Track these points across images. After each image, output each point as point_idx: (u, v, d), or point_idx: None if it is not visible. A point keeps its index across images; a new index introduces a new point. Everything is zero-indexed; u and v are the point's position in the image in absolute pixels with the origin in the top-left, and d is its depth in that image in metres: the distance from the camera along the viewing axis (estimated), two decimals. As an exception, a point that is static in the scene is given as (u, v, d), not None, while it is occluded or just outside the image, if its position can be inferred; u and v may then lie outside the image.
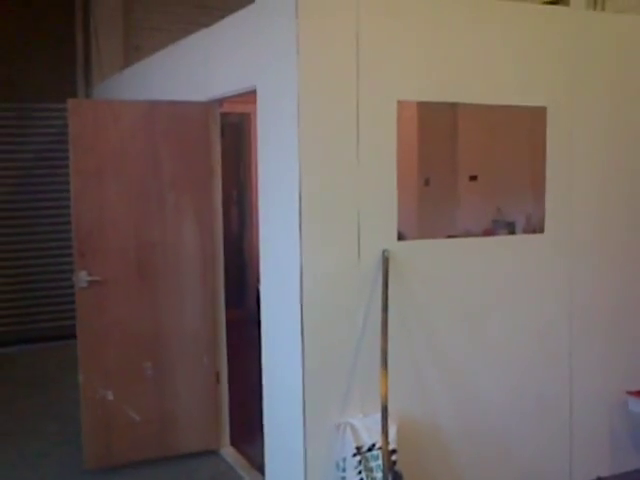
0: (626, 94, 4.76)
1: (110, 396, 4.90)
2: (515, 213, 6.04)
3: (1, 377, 7.25)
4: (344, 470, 3.92)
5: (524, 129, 5.50)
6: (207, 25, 5.09)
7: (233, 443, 5.29)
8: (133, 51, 8.91)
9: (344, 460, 3.92)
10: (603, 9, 6.56)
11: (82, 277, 4.82)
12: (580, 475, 4.71)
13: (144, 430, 4.99)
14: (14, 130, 8.36)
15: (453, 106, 5.53)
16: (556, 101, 4.53)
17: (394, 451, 3.87)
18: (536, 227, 4.72)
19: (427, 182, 6.74)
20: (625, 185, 4.80)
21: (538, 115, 4.54)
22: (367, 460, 3.87)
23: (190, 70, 5.45)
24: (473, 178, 6.45)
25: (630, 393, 4.71)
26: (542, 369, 4.59)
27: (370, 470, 3.85)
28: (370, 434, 3.89)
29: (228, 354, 5.25)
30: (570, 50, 4.56)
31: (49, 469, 5.03)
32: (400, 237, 4.26)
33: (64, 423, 5.75)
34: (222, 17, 4.81)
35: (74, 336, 4.92)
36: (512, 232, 5.89)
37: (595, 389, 4.74)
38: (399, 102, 4.10)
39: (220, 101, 5.15)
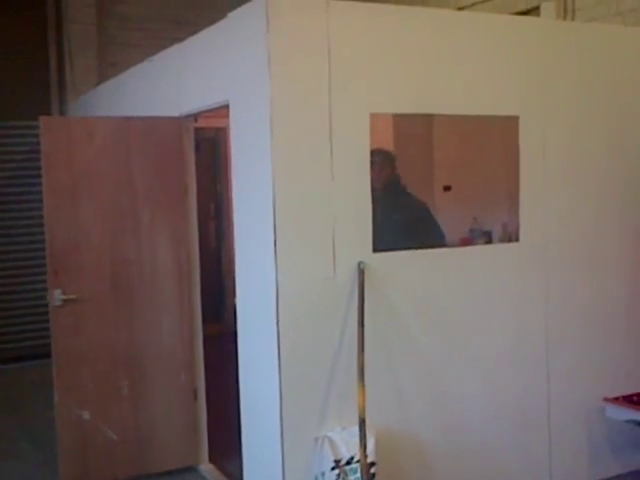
0: (597, 103, 4.81)
1: (86, 415, 4.86)
2: (491, 222, 6.05)
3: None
4: (323, 484, 3.92)
5: (499, 138, 5.54)
6: (182, 40, 5.09)
7: (212, 459, 5.26)
8: (109, 68, 8.88)
9: (323, 474, 3.91)
10: (573, 19, 6.63)
11: (56, 296, 4.79)
12: (560, 483, 4.74)
13: (121, 449, 4.95)
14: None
15: (428, 116, 5.56)
16: (528, 110, 4.58)
17: (373, 464, 3.86)
18: (512, 235, 4.75)
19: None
20: (597, 192, 4.84)
21: (511, 125, 4.58)
22: (346, 473, 3.86)
23: (163, 86, 5.46)
24: (447, 188, 6.47)
25: (607, 400, 4.73)
26: (520, 378, 4.60)
27: (349, 483, 3.85)
28: (348, 447, 3.89)
29: (206, 370, 5.23)
30: (541, 60, 4.61)
31: (26, 491, 4.99)
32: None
33: (40, 443, 5.69)
34: (197, 32, 4.82)
35: (49, 355, 4.88)
36: (489, 241, 5.90)
37: (572, 396, 4.76)
38: (372, 115, 4.12)
39: (194, 116, 5.15)
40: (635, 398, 4.77)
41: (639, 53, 4.96)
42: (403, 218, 4.58)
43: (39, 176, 4.94)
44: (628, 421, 4.66)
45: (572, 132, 4.73)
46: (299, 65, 3.91)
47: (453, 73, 4.36)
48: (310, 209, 3.98)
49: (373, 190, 4.15)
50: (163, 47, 5.51)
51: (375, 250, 4.13)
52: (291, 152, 3.91)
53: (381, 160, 4.37)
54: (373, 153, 4.17)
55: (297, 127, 3.92)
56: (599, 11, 6.44)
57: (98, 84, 8.10)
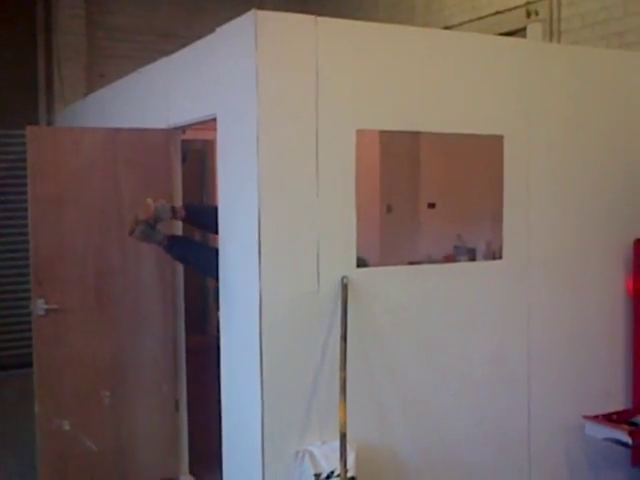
0: (581, 124, 4.86)
1: (67, 426, 4.84)
2: (475, 239, 6.11)
3: (-43, 407, 7.13)
4: (303, 498, 3.92)
5: (483, 157, 5.59)
6: (171, 53, 5.13)
7: (192, 471, 5.25)
8: (97, 78, 8.90)
9: (303, 488, 3.92)
10: (559, 41, 6.72)
11: (39, 305, 4.78)
12: (539, 501, 4.75)
13: (101, 460, 4.94)
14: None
15: (414, 134, 5.61)
16: (512, 130, 4.62)
17: (353, 478, 3.86)
18: (496, 253, 4.79)
19: (389, 209, 6.80)
20: (581, 212, 4.88)
21: (495, 144, 4.62)
22: (326, 487, 3.86)
23: (151, 98, 5.48)
24: (431, 205, 6.53)
25: (587, 418, 4.76)
26: (501, 395, 4.62)
27: (329, 498, 3.85)
28: (329, 461, 3.89)
29: (188, 381, 5.23)
30: (526, 81, 4.66)
31: (4, 501, 4.96)
32: (363, 263, 4.29)
33: (21, 454, 5.66)
34: (186, 45, 4.85)
35: (31, 365, 4.87)
36: (473, 258, 5.96)
37: (552, 415, 4.78)
38: (358, 131, 4.15)
39: (182, 128, 5.17)
40: (614, 416, 4.80)
41: (623, 75, 5.03)
42: None
43: (24, 185, 4.94)
44: (607, 439, 4.69)
45: (556, 152, 4.77)
46: (286, 81, 3.94)
47: (439, 91, 4.40)
48: (295, 223, 3.99)
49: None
50: (152, 59, 5.54)
51: (359, 265, 4.15)
52: (277, 166, 3.93)
53: None
54: None
55: (283, 142, 3.94)
56: (584, 34, 6.53)
57: (86, 94, 8.11)
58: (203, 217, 4.97)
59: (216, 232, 4.51)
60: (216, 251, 4.46)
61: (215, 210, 4.48)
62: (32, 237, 4.82)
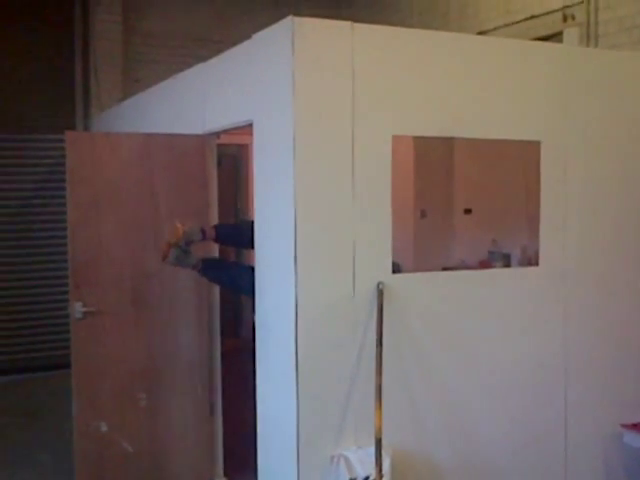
0: (619, 129, 4.81)
1: (104, 427, 4.89)
2: (510, 245, 6.09)
3: (-5, 407, 7.24)
4: (338, 503, 3.92)
5: (519, 162, 5.56)
6: (206, 58, 5.16)
7: (227, 474, 5.27)
8: (133, 83, 9.00)
9: (338, 492, 3.92)
10: (596, 46, 6.66)
11: (77, 308, 4.84)
12: (575, 510, 4.71)
13: (137, 461, 4.98)
14: (12, 160, 8.42)
15: (449, 139, 5.59)
16: (550, 136, 4.59)
17: (387, 484, 3.87)
18: (531, 259, 4.76)
19: (423, 214, 6.80)
20: (616, 219, 4.84)
21: (533, 149, 4.60)
22: (360, 493, 3.87)
23: (187, 103, 5.52)
24: (467, 211, 6.51)
25: (625, 426, 4.71)
26: (537, 402, 4.59)
27: (363, 503, 3.85)
28: (364, 466, 3.89)
29: (223, 384, 5.26)
30: (564, 86, 4.63)
31: (42, 501, 5.03)
32: (396, 269, 4.29)
33: (57, 453, 5.73)
34: (220, 50, 4.89)
35: (68, 366, 4.93)
36: (507, 264, 5.93)
37: (590, 422, 4.74)
38: (394, 137, 4.15)
39: (217, 133, 5.21)
40: (652, 425, 4.75)
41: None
42: None
43: (62, 189, 5.01)
44: (645, 448, 4.65)
45: (593, 158, 4.73)
46: (323, 87, 3.95)
47: (475, 97, 4.39)
48: (331, 229, 4.01)
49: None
50: (187, 64, 5.59)
51: (395, 271, 4.15)
52: (313, 172, 3.94)
53: None
54: None
55: (320, 148, 3.95)
56: (621, 38, 6.46)
57: (122, 100, 8.20)
58: (234, 236, 4.97)
59: (249, 247, 4.51)
60: (250, 269, 4.47)
61: (245, 226, 4.48)
62: (70, 241, 4.88)
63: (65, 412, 5.06)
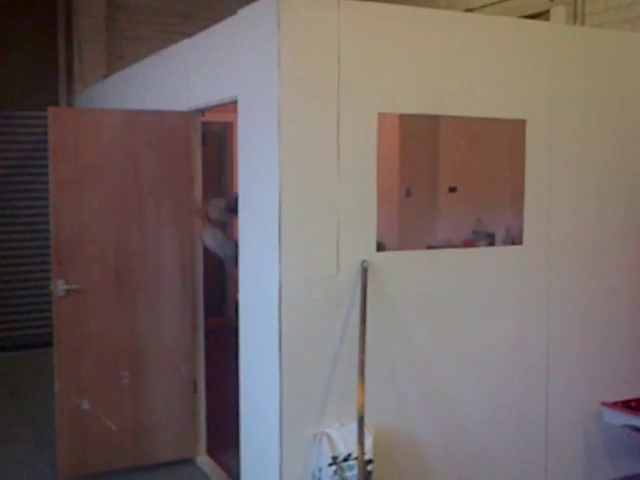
0: (605, 108, 4.80)
1: (86, 405, 4.87)
2: (495, 224, 6.09)
3: (-23, 385, 7.21)
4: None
5: (504, 142, 5.55)
6: (191, 35, 5.11)
7: (209, 452, 5.27)
8: (117, 60, 8.89)
9: (320, 470, 3.92)
10: (583, 24, 6.63)
11: (60, 286, 4.80)
12: (556, 488, 4.75)
13: (120, 439, 4.97)
14: (-7, 138, 8.33)
15: (435, 118, 5.57)
16: (535, 114, 4.57)
17: (370, 461, 3.88)
18: (515, 238, 4.76)
19: (408, 193, 6.80)
20: (601, 198, 4.84)
21: (518, 128, 4.58)
22: (343, 470, 3.87)
23: (171, 80, 5.46)
24: (452, 190, 6.50)
25: (605, 404, 4.74)
26: (519, 381, 4.61)
27: (346, 480, 3.86)
28: (346, 444, 3.90)
29: (206, 363, 5.24)
30: (550, 64, 4.61)
31: (24, 477, 5.00)
32: (381, 247, 4.28)
33: (39, 431, 5.71)
34: (206, 27, 4.83)
35: (50, 344, 4.90)
36: (492, 243, 5.94)
37: (570, 401, 4.77)
38: (380, 114, 4.12)
39: (202, 111, 5.16)
40: (633, 404, 4.78)
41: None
42: None
43: (45, 166, 4.95)
44: (625, 426, 4.67)
45: (578, 137, 4.73)
46: (309, 63, 3.92)
47: (461, 75, 4.36)
48: (315, 207, 3.98)
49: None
50: (172, 41, 5.52)
51: (379, 249, 4.14)
52: (298, 149, 3.92)
53: None
54: None
55: (305, 125, 3.92)
56: (608, 17, 6.44)
57: (106, 76, 8.11)
58: None
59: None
60: None
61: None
62: (53, 218, 4.83)
63: (48, 390, 5.04)
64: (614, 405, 4.74)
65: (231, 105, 4.52)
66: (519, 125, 4.56)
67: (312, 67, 3.92)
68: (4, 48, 8.49)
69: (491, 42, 4.45)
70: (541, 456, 4.70)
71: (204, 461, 5.20)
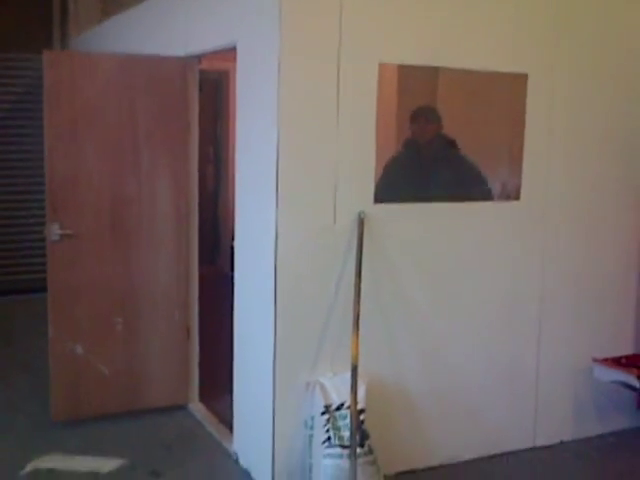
0: (604, 66, 4.74)
1: (79, 350, 4.87)
2: (492, 180, 6.04)
3: (-29, 328, 7.20)
4: (312, 428, 3.95)
5: (505, 96, 5.47)
6: (189, -21, 5.00)
7: (202, 399, 5.29)
8: (112, 4, 8.70)
9: (312, 418, 3.95)
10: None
11: (54, 230, 4.75)
12: (543, 439, 4.79)
13: (113, 384, 4.98)
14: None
15: (434, 71, 5.48)
16: (538, 69, 4.51)
17: (362, 411, 3.90)
18: (510, 194, 4.73)
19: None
20: (599, 156, 4.81)
21: (519, 82, 4.52)
22: (335, 419, 3.89)
23: (169, 25, 5.35)
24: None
25: (596, 361, 4.77)
26: (511, 335, 4.63)
27: (338, 429, 3.88)
28: (339, 393, 3.92)
29: (199, 310, 5.24)
30: (554, 18, 4.53)
31: (18, 420, 5.01)
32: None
33: (34, 375, 5.71)
34: (204, -29, 4.72)
35: (45, 289, 4.87)
36: (488, 198, 5.90)
37: (562, 356, 4.80)
38: (381, 65, 4.06)
39: (199, 57, 5.07)
40: (624, 360, 4.81)
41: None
42: (449, 174, 4.60)
43: (39, 110, 4.87)
44: (614, 382, 4.71)
45: (579, 93, 4.68)
46: (310, 11, 3.84)
47: (463, 26, 4.29)
48: (314, 157, 3.94)
49: (418, 145, 4.40)
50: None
51: (376, 201, 4.10)
52: (297, 98, 3.86)
53: (427, 115, 4.59)
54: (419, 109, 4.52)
55: (305, 73, 3.86)
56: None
57: (101, 20, 7.95)
58: None
59: None
60: None
61: None
62: (48, 162, 4.76)
63: (42, 334, 5.02)
64: (604, 361, 4.77)
65: (228, 53, 4.44)
66: (521, 80, 4.50)
67: (313, 15, 3.85)
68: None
69: (495, -6, 4.37)
70: (531, 410, 4.75)
71: (196, 407, 5.23)
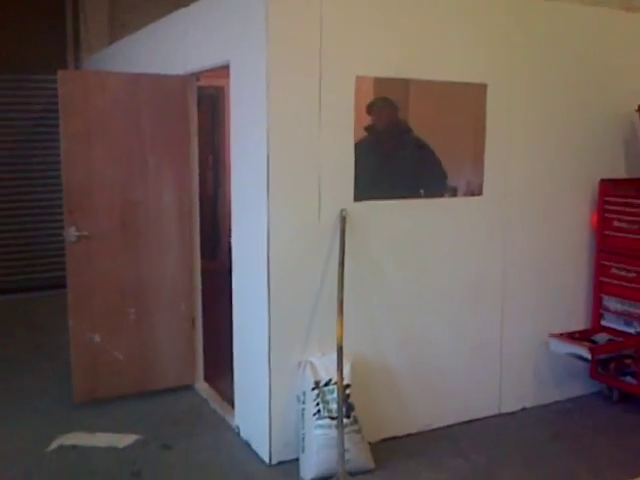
0: (560, 74, 4.74)
1: (97, 338, 4.84)
2: (457, 179, 6.04)
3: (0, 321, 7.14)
4: (304, 402, 3.94)
5: (468, 104, 5.46)
6: (188, 4, 4.95)
7: (206, 379, 5.27)
8: (119, 29, 8.65)
9: (304, 393, 3.94)
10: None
11: (71, 232, 4.72)
12: (508, 406, 4.80)
13: (127, 368, 4.95)
14: (9, 99, 8.12)
15: (405, 82, 5.47)
16: (495, 79, 4.51)
17: (348, 386, 3.90)
18: (474, 191, 4.73)
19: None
20: (554, 155, 4.81)
21: (479, 91, 4.51)
22: (324, 393, 3.88)
23: (170, 46, 5.31)
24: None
25: (552, 335, 4.78)
26: (478, 315, 4.63)
27: (327, 402, 3.87)
28: (327, 371, 3.91)
29: (202, 301, 5.21)
30: (510, 34, 4.53)
31: (42, 402, 4.99)
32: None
33: (56, 362, 5.67)
34: (200, -2, 4.69)
35: (65, 286, 4.84)
36: (455, 195, 5.89)
37: (523, 332, 4.80)
38: (357, 77, 4.04)
39: (197, 75, 5.03)
40: (577, 335, 4.83)
41: (600, 27, 4.89)
42: (407, 156, 4.62)
43: (56, 125, 4.82)
44: (569, 354, 4.72)
45: (534, 99, 4.67)
46: (294, 31, 3.82)
47: (430, 43, 4.28)
48: (300, 162, 3.93)
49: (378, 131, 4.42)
50: (170, 11, 5.35)
51: (356, 199, 4.09)
52: (284, 109, 3.84)
53: (382, 104, 4.68)
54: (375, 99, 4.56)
55: (291, 86, 3.84)
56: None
57: (110, 44, 7.89)
58: None
59: None
60: None
61: None
62: (64, 170, 4.73)
63: (63, 326, 4.98)
64: (560, 336, 4.78)
65: (223, 71, 4.41)
66: (480, 89, 4.49)
67: (297, 34, 3.84)
68: (16, 19, 8.24)
69: (458, 11, 4.34)
70: (496, 380, 4.75)
71: (202, 387, 5.20)
